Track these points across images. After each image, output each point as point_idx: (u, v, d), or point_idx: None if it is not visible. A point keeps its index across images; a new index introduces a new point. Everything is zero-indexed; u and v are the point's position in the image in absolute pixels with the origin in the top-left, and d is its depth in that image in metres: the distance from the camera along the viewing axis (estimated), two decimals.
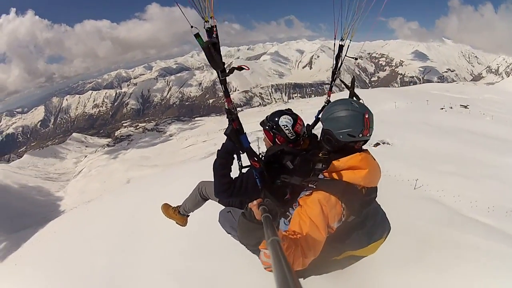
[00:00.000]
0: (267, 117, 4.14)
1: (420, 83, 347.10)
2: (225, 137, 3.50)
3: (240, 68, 3.22)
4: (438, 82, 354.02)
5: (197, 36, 2.72)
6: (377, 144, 32.98)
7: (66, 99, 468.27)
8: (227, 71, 3.03)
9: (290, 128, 3.84)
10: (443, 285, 5.62)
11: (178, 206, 5.80)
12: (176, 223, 5.87)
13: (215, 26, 2.77)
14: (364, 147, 3.44)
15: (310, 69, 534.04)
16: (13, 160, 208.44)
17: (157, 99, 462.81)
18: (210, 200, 5.29)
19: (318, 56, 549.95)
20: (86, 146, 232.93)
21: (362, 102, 3.46)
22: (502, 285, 5.74)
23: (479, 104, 60.01)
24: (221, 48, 2.77)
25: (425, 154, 26.68)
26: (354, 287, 4.99)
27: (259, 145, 5.64)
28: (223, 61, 2.94)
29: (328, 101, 5.07)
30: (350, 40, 4.92)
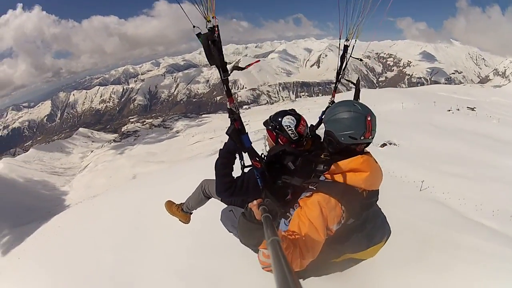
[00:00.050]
0: (270, 117, 4.12)
1: (428, 84, 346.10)
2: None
3: (240, 68, 3.18)
4: (446, 83, 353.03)
5: (199, 35, 2.73)
6: (383, 145, 32.93)
7: (73, 94, 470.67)
8: (228, 71, 3.02)
9: (293, 128, 3.82)
10: (443, 286, 5.62)
11: (181, 203, 5.80)
12: (179, 220, 5.88)
13: (217, 26, 2.76)
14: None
15: (318, 68, 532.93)
16: (18, 154, 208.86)
17: (164, 95, 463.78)
18: (213, 198, 5.28)
19: (326, 55, 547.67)
20: (93, 141, 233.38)
21: (363, 103, 3.40)
22: (503, 287, 5.74)
23: (486, 106, 59.77)
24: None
25: (432, 155, 26.58)
26: (355, 287, 5.01)
27: (266, 144, 5.65)
28: (225, 60, 2.95)
29: (332, 102, 5.03)
30: (356, 40, 4.88)
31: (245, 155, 3.53)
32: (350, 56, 5.07)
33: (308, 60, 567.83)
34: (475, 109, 57.09)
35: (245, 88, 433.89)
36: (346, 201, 2.90)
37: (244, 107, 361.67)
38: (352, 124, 3.07)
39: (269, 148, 4.18)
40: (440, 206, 13.96)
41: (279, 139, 3.95)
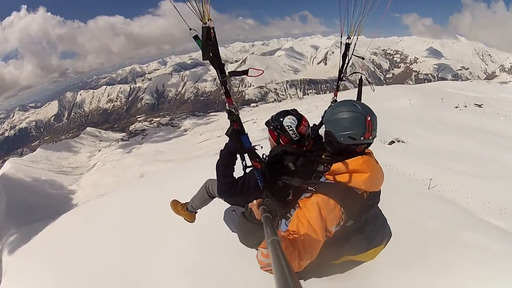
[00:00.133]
0: (272, 116, 4.13)
1: (435, 81, 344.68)
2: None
3: (239, 73, 3.14)
4: (453, 80, 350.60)
5: (196, 38, 2.75)
6: (391, 142, 32.84)
7: (80, 94, 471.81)
8: (227, 73, 3.02)
9: (294, 128, 3.81)
10: (447, 285, 5.66)
11: (186, 202, 5.87)
12: (184, 219, 5.95)
13: (213, 28, 2.77)
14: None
15: (325, 65, 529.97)
16: (26, 154, 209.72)
17: (171, 94, 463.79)
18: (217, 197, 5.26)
19: (333, 52, 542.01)
20: (100, 141, 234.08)
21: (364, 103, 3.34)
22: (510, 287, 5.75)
23: (493, 103, 59.42)
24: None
25: (440, 153, 26.51)
26: (355, 287, 4.98)
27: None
28: (222, 62, 2.94)
29: (334, 101, 5.08)
30: (357, 38, 4.88)
31: (247, 156, 3.51)
32: (352, 54, 5.05)
33: (315, 57, 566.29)
34: (482, 106, 56.74)
35: (253, 86, 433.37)
36: (345, 202, 2.89)
37: (252, 105, 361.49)
38: (351, 124, 3.07)
39: (270, 148, 4.14)
40: (448, 204, 13.91)
41: (280, 139, 3.95)
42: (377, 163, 3.35)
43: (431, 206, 11.95)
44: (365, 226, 3.34)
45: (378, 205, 3.52)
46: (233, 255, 6.61)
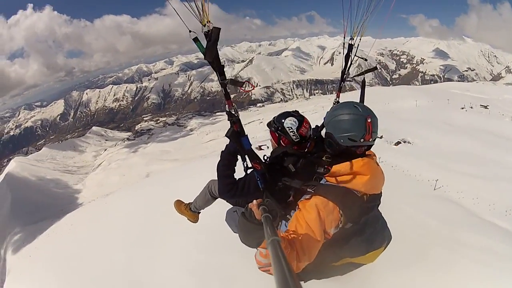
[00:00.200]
0: (274, 118, 4.09)
1: (441, 82, 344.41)
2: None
3: (238, 83, 3.10)
4: (459, 81, 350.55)
5: (195, 40, 2.76)
6: (398, 143, 32.86)
7: (86, 93, 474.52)
8: (227, 79, 3.02)
9: (295, 130, 3.77)
10: (448, 285, 5.64)
11: (190, 203, 5.83)
12: (188, 219, 5.90)
13: (212, 30, 2.73)
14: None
15: (332, 65, 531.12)
16: (31, 153, 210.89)
17: (178, 93, 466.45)
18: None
19: (339, 53, 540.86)
20: (106, 140, 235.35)
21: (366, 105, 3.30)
22: None
23: (499, 104, 59.48)
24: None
25: (446, 154, 26.48)
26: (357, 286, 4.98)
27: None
28: (222, 64, 2.95)
29: (337, 102, 4.99)
30: (360, 39, 4.83)
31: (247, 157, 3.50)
32: (355, 55, 5.01)
33: (321, 57, 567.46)
34: (488, 107, 56.95)
35: (259, 86, 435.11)
36: (344, 205, 2.86)
37: (258, 105, 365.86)
38: (351, 126, 3.03)
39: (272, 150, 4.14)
40: (453, 205, 13.88)
41: (281, 141, 3.92)
42: (378, 165, 3.31)
43: (436, 207, 11.91)
44: (364, 228, 3.31)
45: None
46: (237, 255, 6.58)
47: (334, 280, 3.88)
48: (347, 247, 3.29)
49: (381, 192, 3.34)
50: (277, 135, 3.92)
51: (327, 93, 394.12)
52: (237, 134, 3.29)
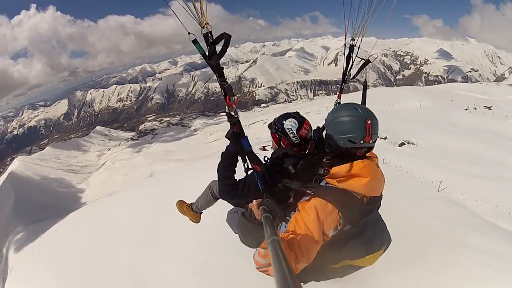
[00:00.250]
0: (275, 119, 4.10)
1: (445, 83, 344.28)
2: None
3: (231, 93, 3.16)
4: (462, 82, 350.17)
5: (195, 42, 2.80)
6: (402, 144, 32.91)
7: (90, 93, 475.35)
8: (225, 76, 3.08)
9: (295, 132, 3.79)
10: (449, 285, 5.68)
11: (192, 203, 5.83)
12: (190, 219, 5.90)
13: (210, 32, 2.84)
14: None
15: (336, 66, 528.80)
16: (34, 152, 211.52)
17: (182, 93, 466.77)
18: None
19: (343, 53, 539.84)
20: (110, 140, 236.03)
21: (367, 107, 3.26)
22: None
23: (502, 105, 59.51)
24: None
25: (449, 155, 26.51)
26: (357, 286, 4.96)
27: None
28: (221, 66, 3.01)
29: (338, 103, 4.98)
30: (361, 39, 4.82)
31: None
32: (356, 55, 4.98)
33: (325, 58, 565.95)
34: (491, 108, 57.00)
35: (263, 86, 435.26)
36: (343, 207, 2.85)
37: (262, 105, 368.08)
38: (351, 127, 3.01)
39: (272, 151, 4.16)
40: (457, 207, 13.88)
41: (281, 142, 3.94)
42: (378, 167, 3.28)
43: (439, 208, 11.91)
44: (364, 231, 3.26)
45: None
46: (239, 256, 6.55)
47: (333, 281, 3.85)
48: (346, 249, 3.26)
49: (381, 195, 3.31)
50: (277, 136, 3.94)
51: (331, 93, 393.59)
52: (237, 135, 3.30)
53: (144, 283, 8.50)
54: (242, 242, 2.93)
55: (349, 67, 5.04)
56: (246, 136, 3.36)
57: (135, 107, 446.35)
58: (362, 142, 2.98)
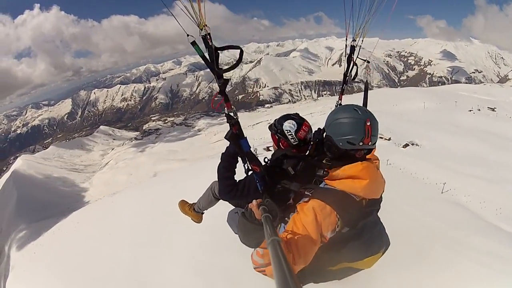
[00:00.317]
0: (275, 120, 4.11)
1: (449, 84, 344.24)
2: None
3: (225, 97, 3.25)
4: (466, 82, 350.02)
5: (193, 44, 2.83)
6: (406, 145, 32.99)
7: (94, 93, 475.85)
8: (225, 79, 3.12)
9: (293, 133, 3.80)
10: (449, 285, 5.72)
11: (194, 203, 5.84)
12: (191, 219, 5.91)
13: (209, 34, 2.89)
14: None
15: (340, 66, 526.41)
16: (38, 151, 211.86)
17: (186, 94, 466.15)
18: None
19: (346, 54, 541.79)
20: (114, 139, 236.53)
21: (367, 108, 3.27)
22: None
23: (506, 107, 59.55)
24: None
25: (453, 156, 26.53)
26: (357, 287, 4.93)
27: None
28: (220, 67, 3.07)
29: (339, 105, 4.98)
30: (362, 40, 4.82)
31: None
32: (357, 57, 5.01)
33: (329, 58, 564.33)
34: (495, 109, 57.02)
35: (267, 86, 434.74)
36: (341, 209, 2.85)
37: (266, 105, 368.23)
38: (350, 129, 3.01)
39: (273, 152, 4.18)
40: (460, 209, 13.87)
41: (280, 143, 3.98)
42: (378, 170, 3.28)
43: (443, 210, 11.93)
44: (362, 233, 3.22)
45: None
46: (241, 256, 6.45)
47: (332, 283, 3.82)
48: (344, 252, 3.24)
49: (381, 197, 3.30)
50: (277, 137, 3.97)
51: (335, 94, 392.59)
52: (236, 136, 3.30)
53: (146, 282, 8.56)
54: (242, 242, 2.94)
55: (350, 68, 5.05)
56: (246, 137, 3.35)
57: (139, 106, 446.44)
58: (361, 143, 2.98)
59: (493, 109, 56.99)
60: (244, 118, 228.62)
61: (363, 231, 3.17)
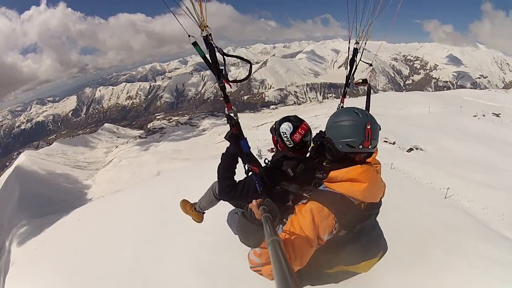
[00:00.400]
0: (275, 122, 4.18)
1: (454, 88, 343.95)
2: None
3: (238, 81, 3.35)
4: (471, 88, 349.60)
5: (195, 44, 2.88)
6: (410, 150, 32.99)
7: (99, 90, 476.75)
8: (226, 79, 3.21)
9: (288, 136, 3.89)
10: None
11: (195, 203, 5.90)
12: (193, 219, 5.96)
13: (211, 34, 2.95)
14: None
15: (346, 69, 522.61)
16: (42, 147, 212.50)
17: (191, 93, 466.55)
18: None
19: (350, 57, 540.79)
20: (118, 137, 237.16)
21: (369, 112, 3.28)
22: None
23: (511, 113, 59.44)
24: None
25: (457, 162, 26.52)
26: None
27: None
28: (220, 67, 3.17)
29: (341, 107, 4.97)
30: (365, 43, 4.86)
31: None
32: (360, 59, 5.05)
33: (335, 61, 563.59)
34: (500, 115, 56.93)
35: (273, 88, 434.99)
36: (339, 211, 2.86)
37: (271, 107, 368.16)
38: (350, 132, 3.00)
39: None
40: (462, 214, 13.88)
41: (278, 145, 4.06)
42: (378, 173, 3.28)
43: (445, 214, 11.97)
44: (359, 237, 3.20)
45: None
46: (243, 256, 6.45)
47: (330, 286, 3.79)
48: (340, 255, 3.24)
49: (380, 202, 3.31)
50: (275, 139, 4.05)
51: (341, 97, 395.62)
52: (236, 137, 3.34)
53: (148, 281, 8.61)
54: (242, 242, 2.97)
55: (353, 71, 5.14)
56: (245, 138, 3.38)
57: (144, 105, 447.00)
58: (361, 147, 2.97)
59: (497, 115, 56.93)
60: (248, 119, 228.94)
61: (360, 234, 3.16)
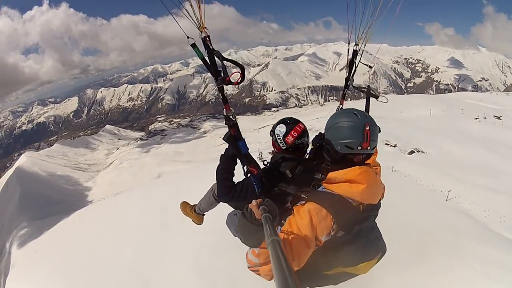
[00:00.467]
0: (274, 124, 4.21)
1: (455, 91, 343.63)
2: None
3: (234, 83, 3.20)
4: (472, 90, 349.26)
5: (193, 46, 2.91)
6: (411, 152, 33.04)
7: (101, 91, 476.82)
8: (224, 80, 3.16)
9: (281, 138, 3.95)
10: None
11: (195, 204, 5.91)
12: (192, 221, 5.98)
13: (208, 36, 2.98)
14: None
15: (346, 71, 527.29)
16: (42, 149, 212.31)
17: (193, 95, 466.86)
18: None
19: (351, 59, 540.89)
20: (119, 139, 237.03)
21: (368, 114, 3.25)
22: None
23: None
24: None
25: (459, 164, 26.57)
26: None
27: None
28: (219, 69, 3.11)
29: (340, 109, 4.98)
30: (365, 45, 4.91)
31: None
32: (359, 61, 5.11)
33: (337, 64, 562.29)
34: (501, 118, 56.93)
35: (274, 90, 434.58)
36: (337, 213, 2.87)
37: (273, 109, 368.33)
38: (349, 133, 3.01)
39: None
40: (463, 216, 13.89)
41: (274, 146, 4.14)
42: (377, 175, 3.30)
43: (446, 217, 11.98)
44: (357, 238, 3.22)
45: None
46: (243, 257, 6.49)
47: (330, 287, 3.80)
48: (338, 256, 3.25)
49: (379, 203, 3.32)
50: (273, 141, 4.10)
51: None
52: (234, 138, 3.38)
53: (149, 282, 8.60)
54: (242, 242, 3.02)
55: (352, 73, 5.18)
56: (244, 139, 3.41)
57: (145, 107, 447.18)
58: (359, 148, 2.98)
59: (499, 118, 56.95)
60: (250, 121, 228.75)
61: (358, 236, 3.17)
